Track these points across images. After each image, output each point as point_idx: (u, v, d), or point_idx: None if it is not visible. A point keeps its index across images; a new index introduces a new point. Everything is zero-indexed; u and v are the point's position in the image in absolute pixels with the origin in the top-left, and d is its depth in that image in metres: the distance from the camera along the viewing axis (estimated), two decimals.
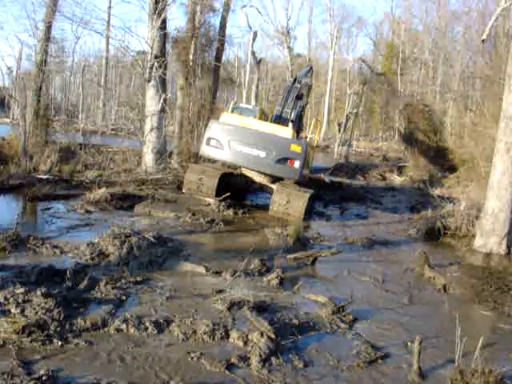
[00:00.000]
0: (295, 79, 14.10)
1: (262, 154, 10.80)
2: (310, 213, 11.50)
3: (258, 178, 11.87)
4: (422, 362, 4.58)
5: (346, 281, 7.23)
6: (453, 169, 21.26)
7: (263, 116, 12.85)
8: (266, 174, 11.48)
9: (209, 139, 11.28)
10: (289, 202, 10.62)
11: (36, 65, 15.92)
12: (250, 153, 10.90)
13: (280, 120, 12.89)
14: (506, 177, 9.17)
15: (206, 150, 11.46)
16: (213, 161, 12.13)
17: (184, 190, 11.58)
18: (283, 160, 10.75)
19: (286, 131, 11.20)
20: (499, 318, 6.42)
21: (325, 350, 4.85)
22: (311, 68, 16.09)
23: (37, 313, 4.76)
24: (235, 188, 12.10)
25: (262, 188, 12.43)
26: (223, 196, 11.04)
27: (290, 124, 11.90)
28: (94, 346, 4.50)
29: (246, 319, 5.25)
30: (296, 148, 10.72)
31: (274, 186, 11.58)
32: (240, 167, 11.75)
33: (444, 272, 7.91)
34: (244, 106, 13.68)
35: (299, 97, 13.49)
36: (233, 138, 11.01)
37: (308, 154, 12.10)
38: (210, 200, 11.22)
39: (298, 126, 14.45)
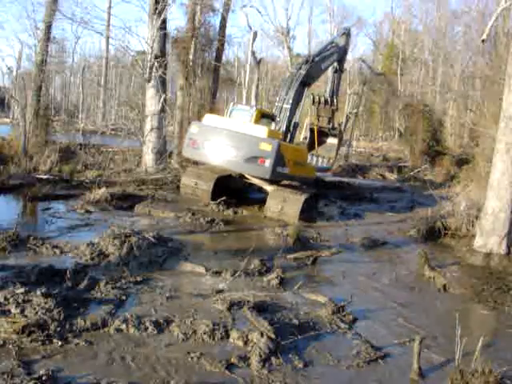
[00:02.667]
0: (305, 61, 13.45)
1: (232, 153, 10.79)
2: (310, 213, 11.50)
3: (256, 181, 11.85)
4: (421, 362, 4.58)
5: (345, 281, 7.23)
6: (453, 168, 21.27)
7: (263, 116, 12.75)
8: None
9: (189, 140, 11.46)
10: (284, 206, 10.60)
11: (36, 65, 15.93)
12: (222, 152, 10.95)
13: (279, 119, 12.77)
14: (505, 177, 9.16)
15: (186, 151, 11.73)
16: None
17: (181, 194, 11.68)
18: (252, 159, 10.65)
19: (262, 130, 11.06)
20: (499, 317, 6.43)
21: (325, 350, 4.86)
22: (349, 31, 15.74)
23: (37, 313, 4.76)
24: (233, 190, 12.10)
25: (261, 189, 12.41)
26: (218, 200, 11.06)
27: (273, 123, 11.85)
28: (94, 345, 4.50)
29: (246, 319, 5.25)
30: (266, 146, 10.56)
31: (269, 189, 11.54)
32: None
33: (444, 272, 7.91)
34: (241, 107, 13.63)
35: (304, 83, 13.08)
36: (208, 139, 11.14)
37: (299, 153, 11.89)
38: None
39: (333, 104, 14.58)
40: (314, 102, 15.58)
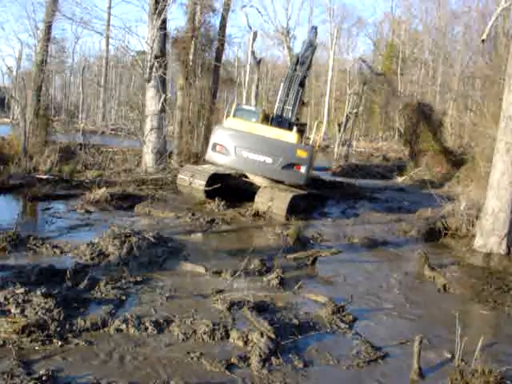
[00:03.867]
0: (297, 61, 13.63)
1: (269, 160, 10.83)
2: (309, 212, 11.52)
3: (257, 179, 11.87)
4: (421, 362, 4.58)
5: (345, 281, 7.22)
6: (453, 168, 21.27)
7: (265, 117, 12.79)
8: (272, 180, 11.41)
9: (214, 145, 11.31)
10: (272, 202, 10.64)
11: (36, 65, 15.95)
12: (256, 159, 10.94)
13: (281, 119, 12.81)
14: (505, 177, 9.16)
15: (211, 156, 11.49)
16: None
17: (178, 189, 11.73)
18: (290, 166, 10.79)
19: (291, 136, 11.19)
20: (499, 317, 6.43)
21: (325, 350, 4.85)
22: (316, 29, 16.39)
23: (37, 313, 4.76)
24: (235, 190, 12.11)
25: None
26: (213, 187, 11.07)
27: (294, 128, 11.88)
28: (94, 346, 4.50)
29: (246, 319, 5.25)
30: (302, 153, 10.78)
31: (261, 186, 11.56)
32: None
33: (444, 272, 7.91)
34: (247, 107, 13.60)
35: (302, 84, 13.17)
36: (239, 144, 11.03)
37: (312, 156, 12.03)
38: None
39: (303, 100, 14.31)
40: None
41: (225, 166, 11.62)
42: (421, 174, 21.70)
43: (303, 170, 10.77)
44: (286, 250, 8.11)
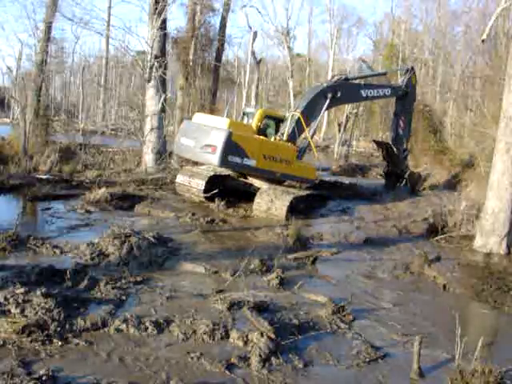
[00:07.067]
0: (340, 77, 13.46)
1: (191, 143, 11.10)
2: (309, 212, 11.51)
3: (256, 181, 11.86)
4: (421, 362, 4.58)
5: (345, 281, 7.22)
6: (454, 168, 21.25)
7: (266, 117, 12.72)
8: (194, 162, 12.25)
9: (177, 137, 12.10)
10: (272, 203, 10.68)
11: (36, 65, 15.96)
12: (184, 143, 11.40)
13: (286, 124, 12.64)
14: (505, 177, 9.17)
15: (174, 148, 12.55)
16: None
17: (177, 191, 11.82)
18: (206, 147, 10.76)
19: (223, 122, 11.20)
20: (499, 317, 6.43)
21: (325, 350, 4.85)
22: (411, 68, 14.92)
23: (37, 313, 4.76)
24: (234, 191, 12.11)
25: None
26: (210, 193, 11.14)
27: (242, 116, 12.42)
28: (94, 346, 4.50)
29: (246, 319, 5.25)
30: (216, 135, 10.65)
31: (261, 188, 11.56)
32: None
33: (444, 272, 7.90)
34: (248, 110, 13.81)
35: (325, 97, 12.60)
36: (182, 133, 11.77)
37: (278, 149, 11.57)
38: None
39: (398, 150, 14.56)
40: (377, 148, 15.55)
41: (178, 154, 12.87)
42: (420, 174, 21.66)
43: (217, 151, 10.49)
44: (285, 250, 8.11)
